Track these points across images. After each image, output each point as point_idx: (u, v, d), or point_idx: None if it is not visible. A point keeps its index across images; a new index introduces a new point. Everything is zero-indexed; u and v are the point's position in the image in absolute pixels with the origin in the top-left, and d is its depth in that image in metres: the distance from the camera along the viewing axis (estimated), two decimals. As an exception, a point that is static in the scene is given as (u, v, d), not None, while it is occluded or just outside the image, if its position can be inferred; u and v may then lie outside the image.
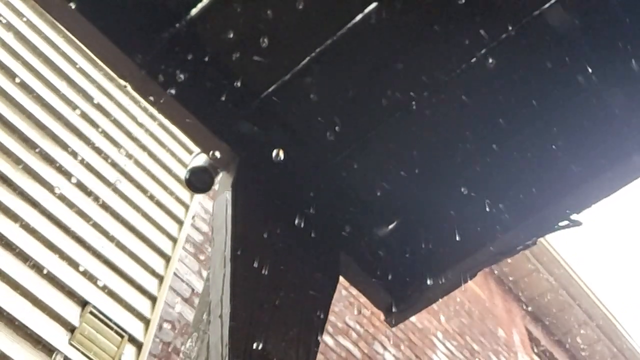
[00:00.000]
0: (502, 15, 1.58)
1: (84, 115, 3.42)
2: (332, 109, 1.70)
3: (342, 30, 1.57)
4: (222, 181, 1.65)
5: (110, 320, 2.85)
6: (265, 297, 1.39)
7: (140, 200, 3.44)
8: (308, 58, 1.61)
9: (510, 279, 7.57)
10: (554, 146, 1.68)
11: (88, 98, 3.52)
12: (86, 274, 2.89)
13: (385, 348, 4.62)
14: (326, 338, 4.00)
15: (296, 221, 1.59)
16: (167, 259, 3.36)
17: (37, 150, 3.04)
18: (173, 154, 3.84)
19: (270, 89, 1.65)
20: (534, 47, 1.61)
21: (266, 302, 1.38)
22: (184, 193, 3.74)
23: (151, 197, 3.52)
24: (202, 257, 3.61)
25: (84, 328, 2.72)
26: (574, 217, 1.72)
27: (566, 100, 1.63)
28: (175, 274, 3.34)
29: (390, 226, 1.85)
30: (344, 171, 1.77)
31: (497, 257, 1.80)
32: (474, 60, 1.61)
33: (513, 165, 1.73)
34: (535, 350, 7.46)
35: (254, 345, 1.30)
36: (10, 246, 2.66)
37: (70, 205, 3.02)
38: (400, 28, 1.60)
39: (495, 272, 7.37)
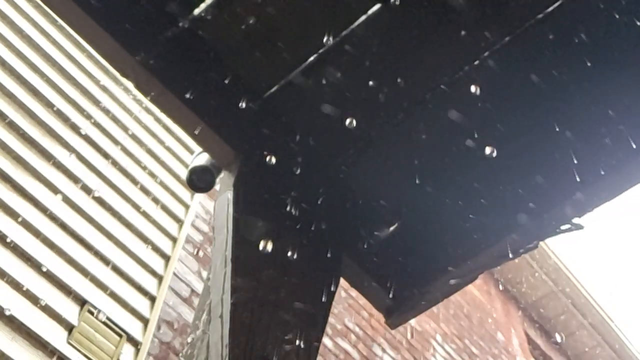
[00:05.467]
0: (505, 18, 1.58)
1: (84, 114, 3.42)
2: (334, 110, 1.70)
3: (345, 31, 1.57)
4: (224, 181, 1.65)
5: (109, 319, 2.85)
6: (266, 298, 1.39)
7: (140, 200, 3.43)
8: (311, 59, 1.60)
9: (510, 282, 7.56)
10: (556, 149, 1.68)
11: (89, 96, 3.52)
12: (85, 273, 2.88)
13: (384, 350, 4.61)
14: (325, 340, 4.00)
15: (297, 222, 1.58)
16: (166, 258, 3.36)
17: (37, 148, 3.04)
18: (174, 153, 3.84)
19: (272, 89, 1.65)
20: (537, 50, 1.61)
21: (267, 303, 1.38)
22: (184, 192, 3.74)
23: (151, 196, 3.51)
24: (202, 257, 3.61)
25: (82, 327, 2.72)
26: (575, 220, 1.71)
27: (569, 102, 1.62)
28: (174, 273, 3.33)
29: (392, 228, 1.84)
30: (346, 172, 1.76)
31: (498, 259, 1.80)
32: (477, 62, 1.61)
33: (515, 168, 1.72)
34: (534, 354, 7.45)
35: (254, 346, 1.30)
36: (9, 244, 2.65)
37: (70, 203, 3.02)
38: (403, 29, 1.60)
39: (495, 275, 7.36)
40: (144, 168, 3.59)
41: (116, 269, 3.05)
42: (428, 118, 1.68)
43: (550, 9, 1.53)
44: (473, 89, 1.64)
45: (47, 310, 2.62)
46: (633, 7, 1.53)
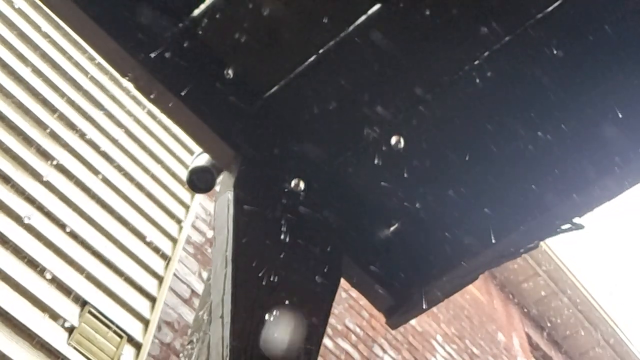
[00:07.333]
0: (505, 18, 1.58)
1: (84, 114, 3.42)
2: (334, 110, 1.70)
3: (345, 32, 1.57)
4: (224, 181, 1.65)
5: (110, 320, 2.85)
6: (267, 298, 1.39)
7: (141, 200, 3.43)
8: (311, 59, 1.60)
9: (510, 282, 7.56)
10: (557, 149, 1.68)
11: (89, 97, 3.52)
12: (86, 274, 2.88)
13: (384, 351, 4.61)
14: (326, 340, 4.00)
15: (297, 222, 1.58)
16: (167, 259, 3.35)
17: (36, 148, 3.04)
18: (174, 154, 3.84)
19: (273, 90, 1.64)
20: (537, 50, 1.60)
21: (267, 303, 1.38)
22: (184, 193, 3.74)
23: (151, 197, 3.51)
24: (202, 258, 3.60)
25: (83, 328, 2.72)
26: (576, 220, 1.71)
27: (569, 102, 1.62)
28: (175, 274, 3.33)
29: (392, 228, 1.84)
30: (346, 173, 1.76)
31: (498, 259, 1.79)
32: (477, 62, 1.61)
33: (515, 168, 1.72)
34: (534, 354, 7.45)
35: (255, 347, 1.29)
36: (9, 244, 2.65)
37: (70, 204, 3.01)
38: (403, 30, 1.60)
39: (496, 275, 7.36)
40: (144, 169, 3.59)
41: (116, 270, 3.05)
42: (427, 118, 1.68)
43: (550, 8, 1.53)
44: (473, 88, 1.64)
45: (48, 311, 2.62)
46: (633, 6, 1.53)
